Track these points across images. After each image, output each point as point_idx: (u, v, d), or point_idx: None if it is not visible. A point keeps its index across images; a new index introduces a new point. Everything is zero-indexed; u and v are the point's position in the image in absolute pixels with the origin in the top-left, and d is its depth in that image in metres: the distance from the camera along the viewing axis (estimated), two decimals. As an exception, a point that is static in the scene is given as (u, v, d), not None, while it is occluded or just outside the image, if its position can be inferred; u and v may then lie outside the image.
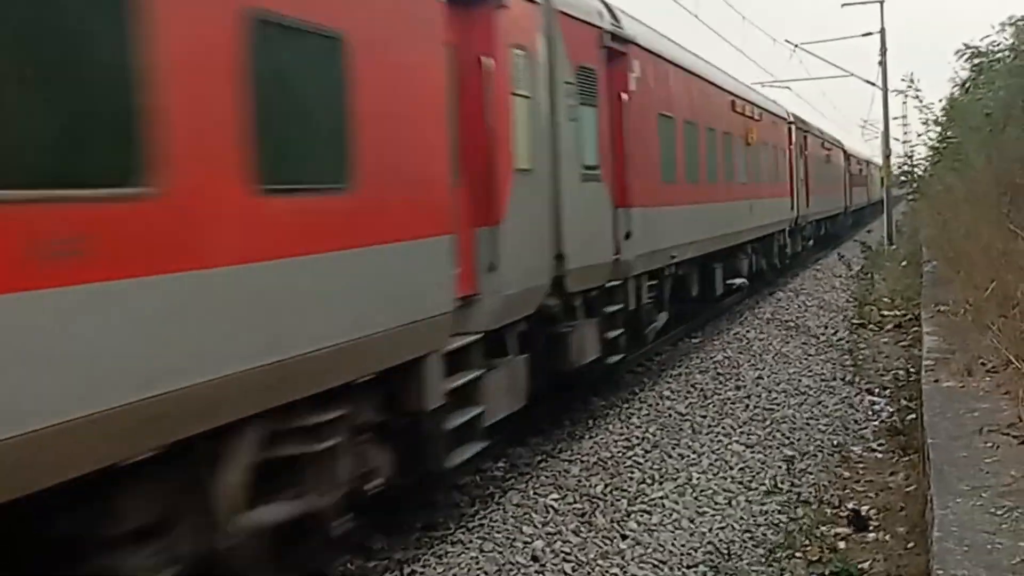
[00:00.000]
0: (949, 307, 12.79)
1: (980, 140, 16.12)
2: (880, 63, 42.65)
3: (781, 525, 10.02)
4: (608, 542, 8.76)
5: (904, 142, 37.57)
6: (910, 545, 9.39)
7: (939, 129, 25.06)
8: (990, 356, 9.11)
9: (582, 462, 10.66)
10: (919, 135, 33.52)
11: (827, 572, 8.93)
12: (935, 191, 24.69)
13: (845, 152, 52.36)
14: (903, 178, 39.37)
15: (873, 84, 44.17)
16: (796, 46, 49.87)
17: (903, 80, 43.94)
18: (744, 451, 12.10)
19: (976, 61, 21.21)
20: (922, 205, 31.75)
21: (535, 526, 8.76)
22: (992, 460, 6.38)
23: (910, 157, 33.31)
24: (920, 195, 30.87)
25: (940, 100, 27.95)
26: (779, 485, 11.14)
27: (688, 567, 8.62)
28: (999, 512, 5.45)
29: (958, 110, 22.20)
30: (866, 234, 48.50)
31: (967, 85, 23.53)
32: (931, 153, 26.59)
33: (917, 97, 25.29)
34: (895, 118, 56.33)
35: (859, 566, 9.05)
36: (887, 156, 43.28)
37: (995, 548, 4.96)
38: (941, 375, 9.18)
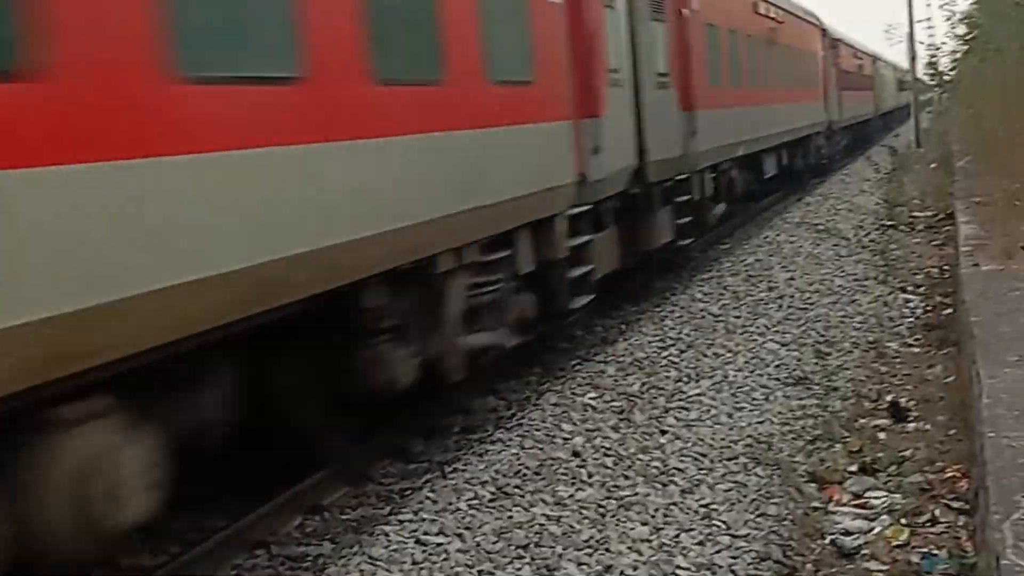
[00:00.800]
0: (984, 198, 12.60)
1: (1010, 30, 15.80)
2: (903, -37, 41.85)
3: (820, 419, 9.99)
4: (647, 437, 8.74)
5: (930, 45, 36.95)
6: (951, 432, 9.34)
7: (967, 22, 24.61)
8: (1030, 239, 8.96)
9: (617, 363, 10.63)
10: (946, 32, 32.87)
11: (869, 460, 8.91)
12: (966, 85, 24.31)
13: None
14: (931, 80, 38.83)
15: (897, -15, 43.38)
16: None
17: None
18: (779, 349, 12.04)
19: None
20: (951, 103, 31.31)
21: (574, 423, 8.75)
22: (1038, 333, 6.28)
23: (935, 58, 32.78)
24: (950, 91, 30.42)
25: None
26: (816, 380, 11.09)
27: (728, 459, 8.58)
28: (1049, 379, 5.37)
29: (987, 3, 21.78)
30: (894, 138, 47.98)
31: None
32: (961, 46, 26.16)
33: None
34: (919, 21, 55.38)
35: (901, 454, 9.03)
36: (913, 58, 42.62)
37: (1047, 412, 4.89)
38: (980, 259, 9.06)
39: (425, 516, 6.95)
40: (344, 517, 7.58)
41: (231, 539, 6.99)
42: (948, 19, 25.61)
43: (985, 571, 4.82)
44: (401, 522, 6.89)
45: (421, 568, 6.34)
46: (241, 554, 6.94)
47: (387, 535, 6.70)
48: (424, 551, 6.52)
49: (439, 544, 6.62)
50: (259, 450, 8.53)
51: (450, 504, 7.13)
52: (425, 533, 6.73)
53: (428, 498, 7.26)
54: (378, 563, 6.38)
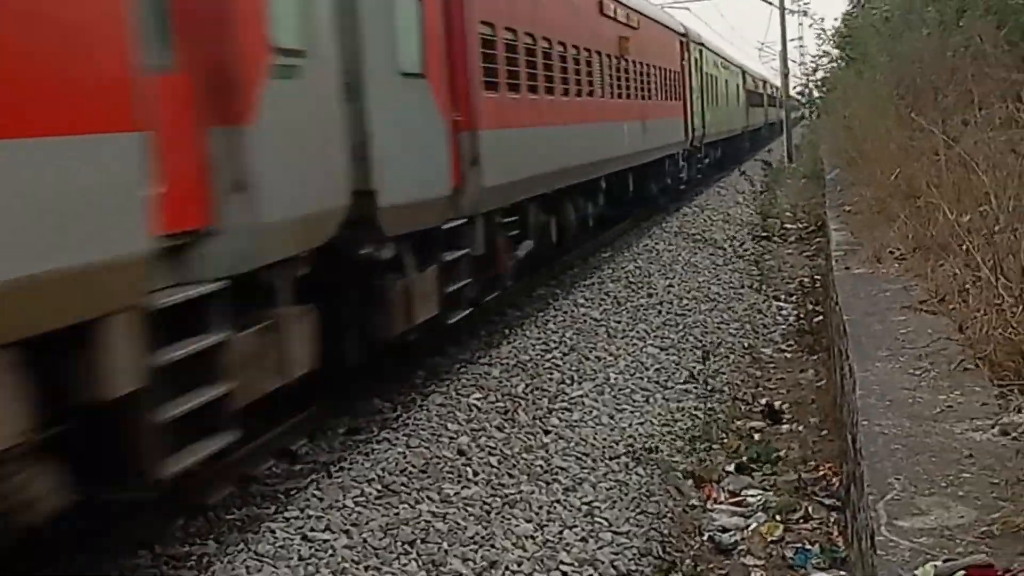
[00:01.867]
0: (854, 206, 13.05)
1: (879, 44, 16.39)
2: (777, -18, 42.97)
3: (698, 420, 10.23)
4: (531, 437, 8.85)
5: (801, 64, 38.05)
6: (823, 433, 9.67)
7: (838, 39, 25.45)
8: (897, 245, 9.33)
9: (502, 365, 10.73)
10: (817, 49, 33.81)
11: (745, 458, 9.16)
12: (836, 98, 25.09)
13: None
14: (801, 97, 39.92)
15: (770, 3, 44.52)
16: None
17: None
18: (659, 353, 12.29)
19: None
20: (822, 119, 32.23)
21: (459, 423, 8.81)
22: (906, 331, 6.56)
23: (809, 75, 33.79)
24: (821, 106, 31.36)
25: (835, 19, 28.41)
26: (694, 384, 11.35)
27: (610, 459, 8.76)
28: (917, 372, 5.62)
29: (857, 20, 22.53)
30: (767, 153, 49.14)
31: (861, 1, 23.92)
32: (833, 60, 27.06)
33: (806, 14, 25.90)
34: (792, 39, 56.86)
35: (775, 454, 9.30)
36: (785, 75, 43.76)
37: (916, 402, 5.12)
38: (851, 263, 9.39)
39: (311, 513, 6.94)
40: (229, 517, 7.51)
41: (113, 540, 6.88)
42: (819, 36, 26.53)
43: (857, 557, 5.02)
44: (287, 519, 6.87)
45: (308, 564, 6.34)
46: (124, 555, 6.84)
47: (273, 532, 6.68)
48: (311, 547, 6.52)
49: (325, 540, 6.61)
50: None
51: (336, 502, 7.13)
52: (312, 530, 6.72)
53: (314, 496, 7.25)
54: (264, 559, 6.35)
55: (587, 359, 11.53)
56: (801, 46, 54.43)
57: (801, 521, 7.79)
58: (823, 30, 26.61)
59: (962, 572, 3.42)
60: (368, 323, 9.17)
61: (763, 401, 11.03)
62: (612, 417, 9.82)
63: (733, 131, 42.28)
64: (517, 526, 7.22)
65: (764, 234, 23.36)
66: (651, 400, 10.55)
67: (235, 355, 6.58)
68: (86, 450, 5.73)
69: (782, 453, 9.36)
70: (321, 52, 7.82)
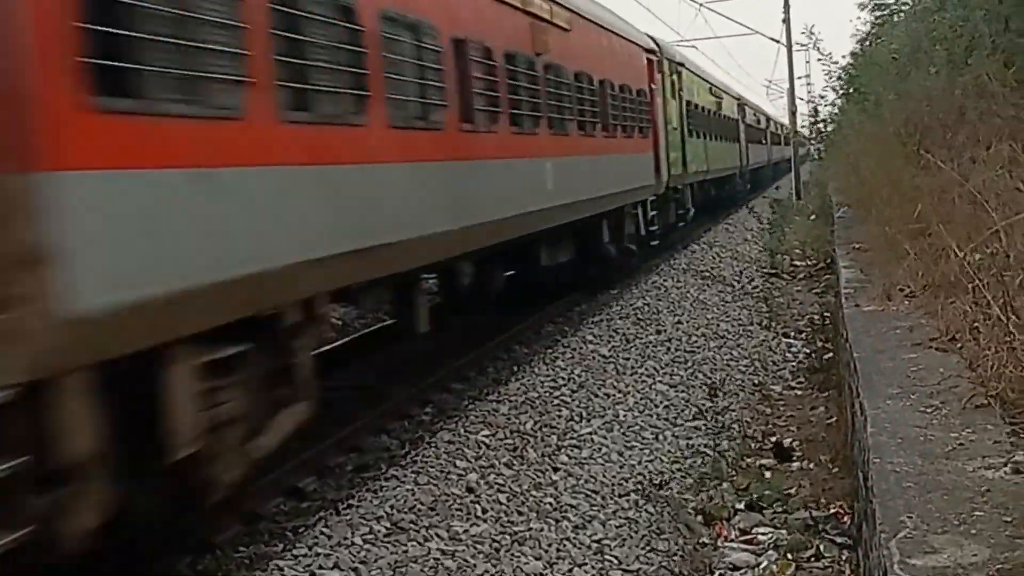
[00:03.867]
0: (863, 243, 13.04)
1: (887, 82, 16.43)
2: (784, 20, 43.17)
3: (708, 457, 10.18)
4: (540, 474, 8.82)
5: (809, 101, 38.16)
6: (834, 470, 9.61)
7: (846, 76, 25.51)
8: (907, 282, 9.30)
9: (510, 402, 10.71)
10: (825, 86, 33.76)
11: (755, 497, 9.11)
12: (844, 136, 25.11)
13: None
14: (810, 134, 40.00)
15: (777, 41, 44.71)
16: (701, 5, 50.20)
17: (803, 32, 44.57)
18: (668, 390, 12.26)
19: (878, 14, 21.67)
20: (830, 157, 32.26)
21: (468, 460, 8.79)
22: (917, 368, 6.53)
23: (816, 111, 33.84)
24: (829, 144, 31.38)
25: (843, 56, 28.44)
26: (704, 421, 11.31)
27: (620, 496, 8.72)
28: (928, 410, 5.59)
29: (865, 57, 22.61)
30: (775, 191, 49.15)
31: (868, 39, 24.01)
32: (841, 97, 27.08)
33: (817, 48, 25.77)
34: (799, 77, 57.07)
35: (785, 492, 9.25)
36: (793, 112, 43.87)
37: (928, 440, 5.09)
38: (861, 300, 9.37)
39: (320, 551, 6.92)
40: (237, 554, 7.49)
41: (120, 576, 6.86)
42: (827, 73, 26.58)
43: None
44: (295, 557, 6.86)
45: (317, 602, 6.33)
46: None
47: (281, 570, 6.66)
48: (320, 585, 6.50)
49: (334, 579, 6.60)
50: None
51: (345, 539, 7.12)
52: (320, 568, 6.70)
53: (323, 534, 7.23)
54: (272, 598, 6.34)
55: (596, 396, 11.51)
56: (809, 83, 54.60)
57: (812, 559, 7.73)
58: (834, 64, 26.55)
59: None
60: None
61: (773, 438, 10.98)
62: (621, 454, 9.79)
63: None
64: (527, 564, 7.18)
65: (773, 271, 23.35)
66: (660, 437, 10.52)
67: None
68: None
69: (792, 491, 9.31)
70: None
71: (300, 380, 7.50)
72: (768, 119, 61.66)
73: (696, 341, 15.05)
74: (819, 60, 26.57)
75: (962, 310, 7.07)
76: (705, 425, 11.10)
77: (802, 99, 49.17)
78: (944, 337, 7.23)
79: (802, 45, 50.33)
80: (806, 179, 47.78)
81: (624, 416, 10.92)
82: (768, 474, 9.92)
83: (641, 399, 11.70)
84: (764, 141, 55.62)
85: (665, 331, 15.38)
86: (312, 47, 7.56)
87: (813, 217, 31.63)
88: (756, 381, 13.55)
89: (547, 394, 11.24)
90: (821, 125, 32.64)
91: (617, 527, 8.04)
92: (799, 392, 13.10)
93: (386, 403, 10.77)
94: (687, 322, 16.31)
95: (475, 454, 9.01)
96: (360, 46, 8.28)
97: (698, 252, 25.00)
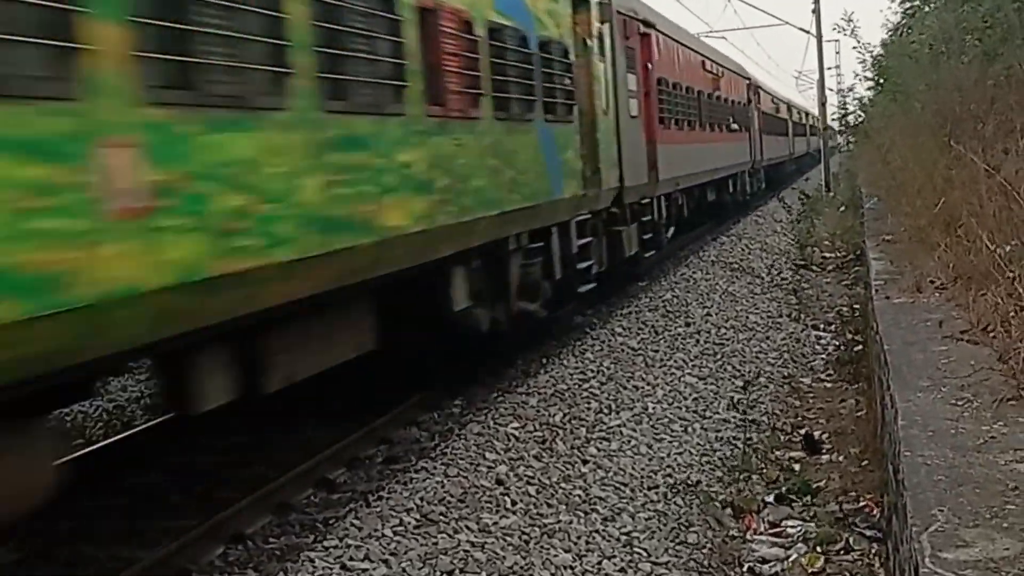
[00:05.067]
0: (893, 235, 12.98)
1: (919, 72, 16.33)
2: (814, 11, 42.94)
3: (737, 450, 10.17)
4: (570, 466, 8.83)
5: (839, 92, 37.89)
6: (863, 463, 9.59)
7: (877, 67, 25.34)
8: (938, 274, 9.26)
9: (539, 394, 10.73)
10: (856, 76, 33.60)
11: (784, 489, 9.10)
12: (874, 127, 24.96)
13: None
14: (840, 125, 39.78)
15: (807, 32, 44.49)
16: (731, -3, 49.72)
17: (841, 19, 44.13)
18: (697, 383, 12.25)
19: (909, 5, 21.53)
20: (860, 148, 32.08)
21: (497, 452, 8.81)
22: (948, 360, 6.51)
23: (846, 102, 33.63)
24: (859, 135, 31.17)
25: (874, 46, 28.14)
26: (733, 414, 11.29)
27: (649, 488, 8.72)
28: (959, 403, 5.57)
29: (896, 47, 22.47)
30: (804, 182, 48.90)
31: (899, 30, 23.84)
32: (872, 87, 26.87)
33: (855, 35, 25.52)
34: (829, 68, 56.74)
35: (815, 484, 9.24)
36: (823, 103, 43.65)
37: (959, 432, 5.08)
38: (891, 292, 9.33)
39: (350, 543, 6.95)
40: (267, 546, 7.54)
41: (152, 569, 6.92)
42: (861, 62, 26.36)
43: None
44: (326, 548, 6.89)
45: (347, 594, 6.36)
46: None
47: (312, 561, 6.70)
48: (350, 577, 6.54)
49: (364, 570, 6.63)
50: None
51: (375, 531, 7.15)
52: (351, 559, 6.73)
53: (353, 525, 7.26)
54: (304, 589, 6.38)
55: (625, 388, 11.51)
56: (839, 75, 54.19)
57: (842, 552, 7.73)
58: (868, 53, 26.26)
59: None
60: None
61: (802, 431, 10.96)
62: (650, 447, 9.78)
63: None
64: (556, 556, 7.19)
65: (802, 263, 23.27)
66: (689, 430, 10.51)
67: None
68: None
69: (822, 483, 9.29)
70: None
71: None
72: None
73: (725, 333, 15.02)
74: (854, 48, 26.28)
75: (993, 302, 7.04)
76: (734, 418, 11.08)
77: (832, 90, 48.89)
78: (975, 329, 7.20)
79: (840, 31, 49.83)
80: (835, 170, 47.53)
81: (653, 408, 10.92)
82: (797, 467, 9.91)
83: (670, 391, 11.69)
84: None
85: (694, 323, 15.35)
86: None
87: (843, 209, 31.49)
88: (785, 373, 13.52)
89: (576, 386, 11.25)
90: (851, 116, 32.44)
91: (646, 520, 8.05)
92: (828, 384, 13.06)
93: (416, 395, 10.80)
94: (716, 314, 16.28)
95: (504, 446, 9.03)
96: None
97: (727, 244, 24.94)
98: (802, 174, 58.42)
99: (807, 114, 64.27)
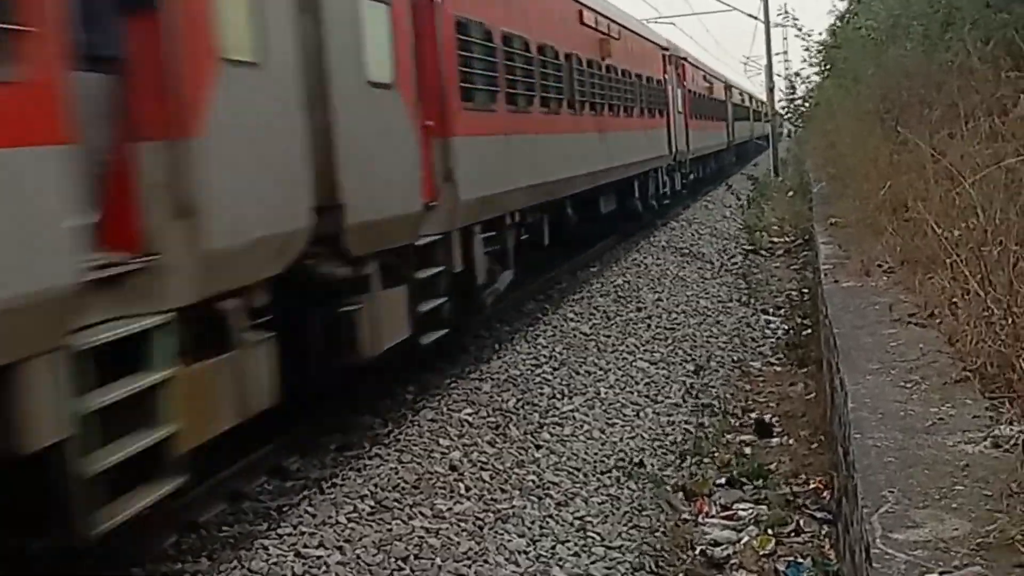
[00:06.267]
0: (841, 219, 13.10)
1: (865, 59, 16.46)
2: (762, -3, 43.19)
3: (689, 435, 10.25)
4: (523, 452, 8.87)
5: (786, 78, 38.13)
6: (813, 446, 9.69)
7: (823, 53, 25.58)
8: (886, 258, 9.36)
9: (492, 380, 10.76)
10: (803, 61, 33.81)
11: (736, 473, 9.18)
12: (822, 112, 25.16)
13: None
14: (786, 110, 40.09)
15: (755, 18, 44.74)
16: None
17: (779, 14, 44.55)
18: (648, 367, 12.32)
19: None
20: (808, 133, 32.32)
21: (451, 439, 8.83)
22: (897, 344, 6.58)
23: (794, 88, 33.90)
24: (807, 120, 31.43)
25: (820, 33, 28.42)
26: (684, 398, 11.37)
27: (602, 473, 8.77)
28: (908, 385, 5.64)
29: (842, 33, 22.65)
30: (753, 167, 49.24)
31: (846, 16, 24.06)
32: (819, 73, 27.14)
33: (796, 25, 25.82)
34: (777, 54, 57.04)
35: (766, 468, 9.32)
36: (771, 89, 43.95)
37: (908, 415, 5.14)
38: (840, 276, 9.42)
39: (304, 530, 6.95)
40: (221, 534, 7.52)
41: (104, 558, 6.87)
42: (806, 49, 26.63)
43: (851, 570, 5.04)
44: (280, 536, 6.88)
45: (301, 581, 6.36)
46: (114, 572, 6.84)
47: (266, 549, 6.69)
48: (304, 564, 6.53)
49: (319, 557, 6.63)
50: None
51: (329, 518, 7.15)
52: (305, 546, 6.73)
53: (307, 512, 7.26)
54: (258, 576, 6.37)
55: (577, 374, 11.56)
56: (787, 60, 54.65)
57: (792, 535, 7.80)
58: (809, 41, 26.56)
59: (958, 584, 3.44)
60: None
61: (753, 415, 11.05)
62: (603, 431, 9.84)
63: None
64: (510, 541, 7.22)
65: (752, 247, 23.44)
66: (641, 414, 10.58)
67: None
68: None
69: (773, 467, 9.38)
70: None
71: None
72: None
73: (676, 318, 15.11)
74: (796, 36, 26.64)
75: (940, 285, 7.12)
76: (686, 402, 11.16)
77: (779, 76, 49.24)
78: (923, 312, 7.29)
79: (781, 25, 50.37)
80: (783, 156, 47.88)
81: (605, 394, 10.97)
82: (748, 450, 9.99)
83: (622, 376, 11.75)
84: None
85: (645, 308, 15.43)
86: None
87: (791, 194, 31.74)
88: (736, 358, 13.62)
89: (529, 372, 11.28)
90: (799, 102, 32.71)
91: (599, 504, 8.09)
92: (779, 368, 13.17)
93: (368, 382, 10.78)
94: (667, 299, 16.37)
95: (458, 432, 9.05)
96: None
97: (677, 229, 25.08)
98: (759, 154, 58.75)
99: (751, 97, 64.65)
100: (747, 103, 62.01)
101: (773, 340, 14.67)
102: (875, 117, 13.76)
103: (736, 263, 21.37)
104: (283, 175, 7.30)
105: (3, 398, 4.95)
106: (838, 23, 25.65)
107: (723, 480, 9.05)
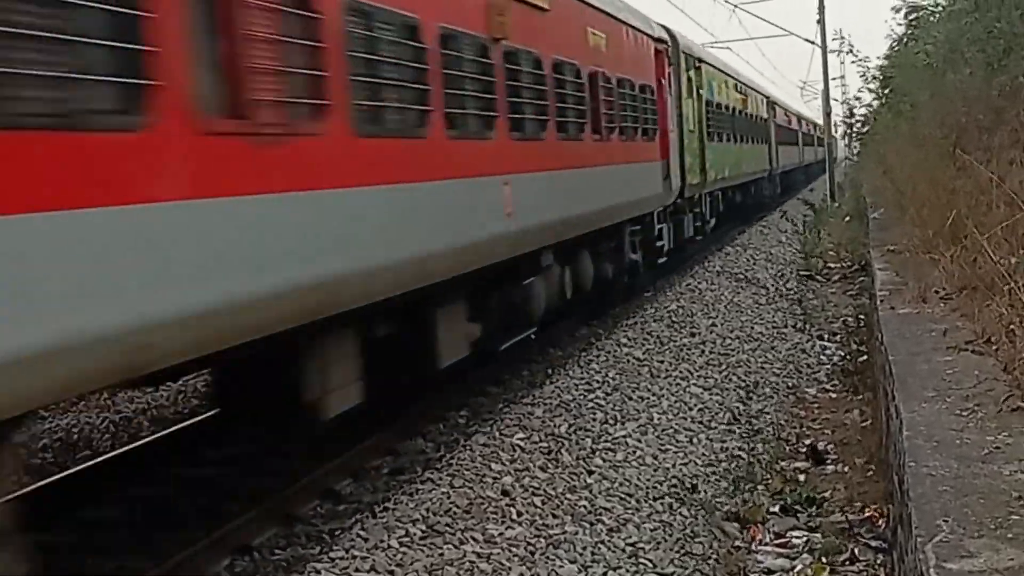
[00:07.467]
0: (898, 245, 12.98)
1: (923, 84, 16.34)
2: (818, 21, 42.97)
3: (742, 461, 10.18)
4: (575, 477, 8.84)
5: (844, 103, 37.94)
6: (868, 474, 9.59)
7: (881, 79, 25.40)
8: (943, 284, 9.27)
9: (545, 404, 10.74)
10: (860, 87, 33.63)
11: (789, 500, 9.10)
12: (879, 138, 24.96)
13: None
14: (844, 136, 39.84)
15: (812, 42, 44.53)
16: (736, 6, 49.85)
17: (834, 39, 44.32)
18: (702, 393, 12.25)
19: (913, 16, 21.55)
20: (865, 158, 32.07)
21: (503, 463, 8.83)
22: (953, 371, 6.52)
23: (851, 113, 33.65)
24: (864, 145, 31.20)
25: (878, 57, 28.22)
26: (738, 424, 11.30)
27: (654, 499, 8.72)
28: (964, 413, 5.58)
29: (900, 57, 22.49)
30: (809, 192, 48.88)
31: (904, 40, 23.90)
32: (877, 99, 26.93)
33: (851, 51, 25.68)
34: (834, 78, 56.78)
35: (820, 495, 9.24)
36: (828, 114, 43.67)
37: (964, 443, 5.09)
38: (896, 303, 9.34)
39: (356, 554, 6.97)
40: (273, 557, 7.57)
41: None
42: (863, 75, 26.44)
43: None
44: (332, 560, 6.91)
45: (353, 605, 6.37)
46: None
47: (318, 573, 6.71)
48: (356, 588, 6.55)
49: (371, 581, 6.64)
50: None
51: (381, 542, 7.16)
52: (357, 570, 6.75)
53: (359, 536, 7.28)
54: (310, 600, 6.39)
55: (630, 399, 11.52)
56: (844, 85, 54.26)
57: (847, 563, 7.72)
58: (868, 67, 26.37)
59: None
60: None
61: (807, 442, 10.96)
62: (656, 457, 9.79)
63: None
64: (561, 567, 7.20)
65: (807, 273, 23.26)
66: (695, 440, 10.51)
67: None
68: None
69: (827, 494, 9.29)
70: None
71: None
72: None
73: (730, 344, 15.02)
74: (853, 62, 26.50)
75: (998, 313, 7.05)
76: (739, 428, 11.09)
77: (836, 100, 48.92)
78: (980, 340, 7.21)
79: (836, 49, 50.01)
80: (840, 181, 47.51)
81: (658, 419, 10.92)
82: (802, 477, 9.90)
83: (675, 402, 11.69)
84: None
85: (699, 334, 15.36)
86: None
87: (848, 219, 31.48)
88: (790, 384, 13.52)
89: (581, 397, 11.26)
90: (856, 127, 32.46)
91: (652, 530, 8.05)
92: (833, 395, 13.06)
93: (421, 406, 10.83)
94: (721, 325, 16.29)
95: (510, 457, 9.04)
96: None
97: (732, 254, 24.94)
98: (808, 183, 58.49)
99: (814, 125, 64.49)
100: (811, 131, 61.32)
101: (828, 366, 14.55)
102: (933, 143, 13.65)
103: (791, 288, 21.22)
104: None
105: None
106: (895, 47, 25.50)
107: (777, 507, 8.98)
